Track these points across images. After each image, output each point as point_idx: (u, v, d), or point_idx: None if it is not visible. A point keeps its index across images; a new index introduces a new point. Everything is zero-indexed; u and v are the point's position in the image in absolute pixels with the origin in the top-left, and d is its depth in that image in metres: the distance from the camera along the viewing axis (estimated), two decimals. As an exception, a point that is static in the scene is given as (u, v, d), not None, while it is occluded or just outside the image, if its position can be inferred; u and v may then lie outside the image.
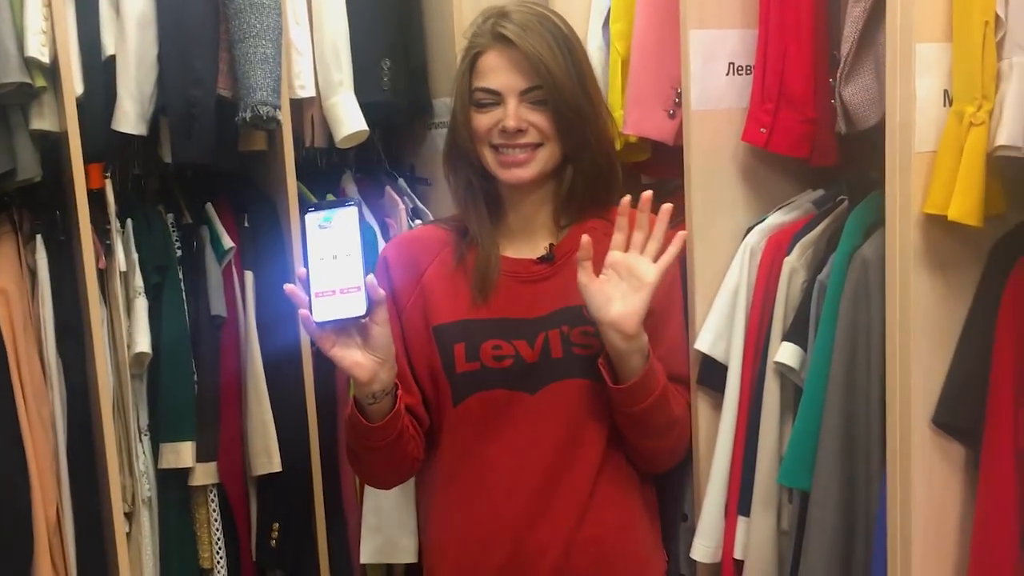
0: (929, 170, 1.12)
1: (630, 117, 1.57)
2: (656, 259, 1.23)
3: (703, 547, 1.46)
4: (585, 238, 1.23)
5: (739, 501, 1.44)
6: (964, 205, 1.06)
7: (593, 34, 1.69)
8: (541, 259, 1.37)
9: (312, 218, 1.16)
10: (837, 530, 1.31)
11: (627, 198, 1.24)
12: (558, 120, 1.28)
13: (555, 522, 1.34)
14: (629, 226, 1.24)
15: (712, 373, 1.47)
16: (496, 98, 1.29)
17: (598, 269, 1.26)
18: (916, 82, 1.11)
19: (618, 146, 1.59)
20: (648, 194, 1.23)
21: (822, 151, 1.38)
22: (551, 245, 1.37)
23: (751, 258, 1.44)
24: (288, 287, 1.16)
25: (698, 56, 1.43)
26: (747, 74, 1.46)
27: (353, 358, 1.18)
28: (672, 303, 1.40)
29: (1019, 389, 1.13)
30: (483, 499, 1.35)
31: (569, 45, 1.29)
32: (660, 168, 1.67)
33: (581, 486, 1.34)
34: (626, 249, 1.25)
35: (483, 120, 1.30)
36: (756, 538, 1.41)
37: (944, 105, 1.12)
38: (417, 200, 2.14)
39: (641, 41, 1.55)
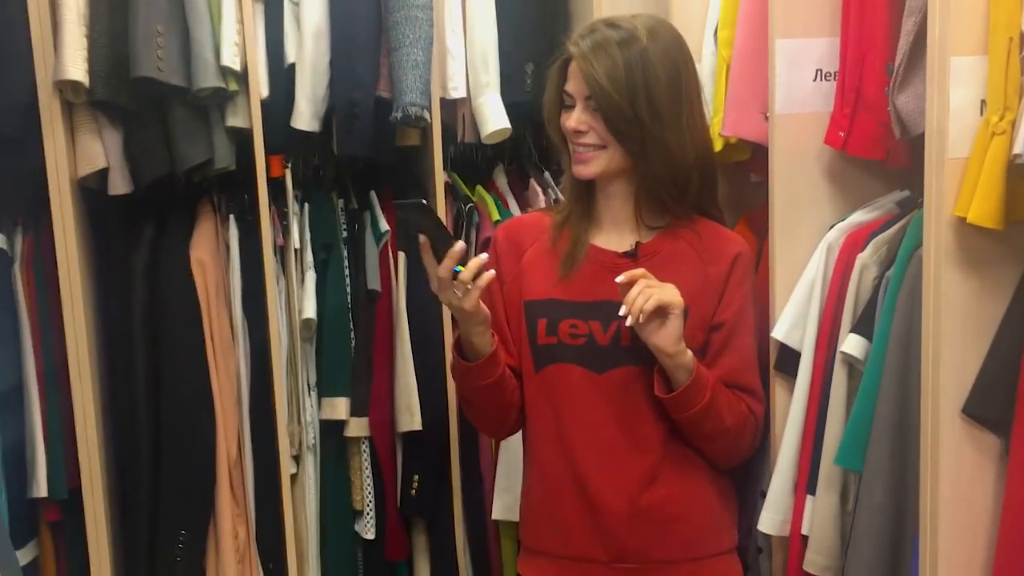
0: (961, 175, 1.22)
1: (728, 118, 1.72)
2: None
3: (771, 520, 1.61)
4: (638, 304, 1.40)
5: (807, 480, 1.56)
6: (983, 208, 1.17)
7: (707, 40, 1.86)
8: (626, 254, 1.56)
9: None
10: (886, 511, 1.42)
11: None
12: (611, 127, 1.46)
13: (620, 488, 1.54)
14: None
15: (788, 360, 1.61)
16: (572, 100, 1.51)
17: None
18: (951, 92, 1.21)
19: (719, 146, 1.74)
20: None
21: (897, 154, 1.48)
22: (637, 243, 1.56)
23: (829, 254, 1.57)
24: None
25: (784, 63, 1.57)
26: (834, 80, 1.57)
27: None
28: (742, 319, 1.54)
29: (1046, 386, 1.20)
30: (560, 459, 1.57)
31: (645, 62, 1.45)
32: (764, 167, 1.80)
33: (644, 459, 1.53)
34: None
35: (565, 119, 1.53)
36: (820, 515, 1.54)
37: (980, 114, 1.21)
38: (559, 192, 2.35)
39: (741, 48, 1.70)
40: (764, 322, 1.66)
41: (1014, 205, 1.18)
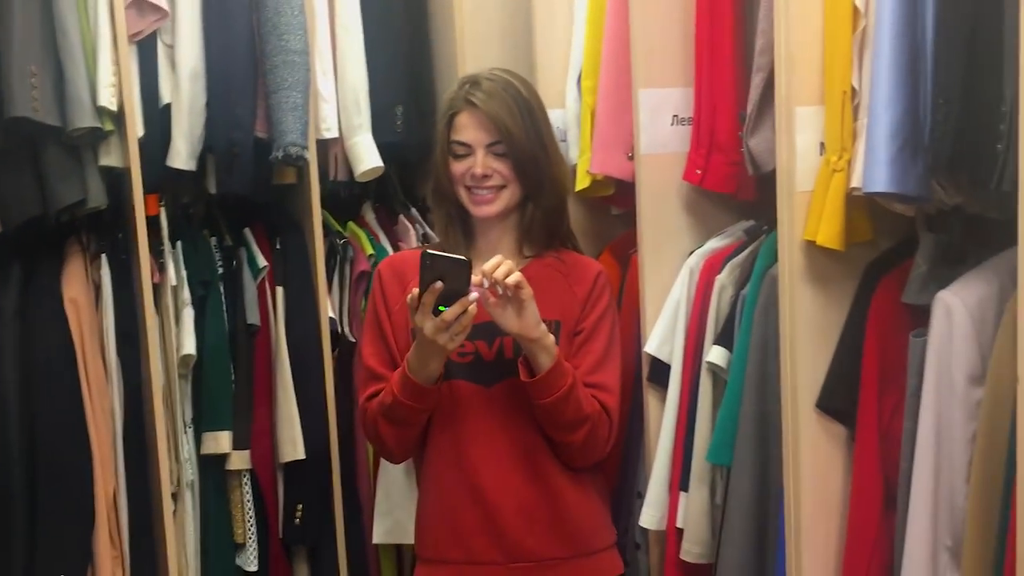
0: (807, 205, 1.45)
1: (596, 158, 1.92)
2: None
3: (650, 516, 1.80)
4: (500, 273, 1.52)
5: (680, 478, 1.76)
6: (828, 233, 1.40)
7: (570, 89, 2.05)
8: None
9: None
10: (753, 498, 1.63)
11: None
12: (516, 167, 1.63)
13: (513, 492, 1.67)
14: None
15: (659, 372, 1.81)
16: (468, 149, 1.65)
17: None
18: (796, 137, 1.44)
19: (586, 183, 1.94)
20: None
21: (745, 188, 1.72)
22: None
23: (691, 276, 1.78)
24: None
25: (646, 110, 1.78)
26: (688, 125, 1.79)
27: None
28: (600, 326, 1.70)
29: (882, 380, 1.45)
30: (456, 470, 1.69)
31: (528, 107, 1.64)
32: (626, 201, 2.00)
33: (534, 464, 1.67)
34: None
35: (458, 167, 1.66)
36: (693, 509, 1.74)
37: (820, 155, 1.45)
38: (427, 227, 2.49)
39: (604, 95, 1.90)
40: (636, 339, 1.85)
41: (852, 230, 1.42)
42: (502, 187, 1.66)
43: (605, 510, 1.78)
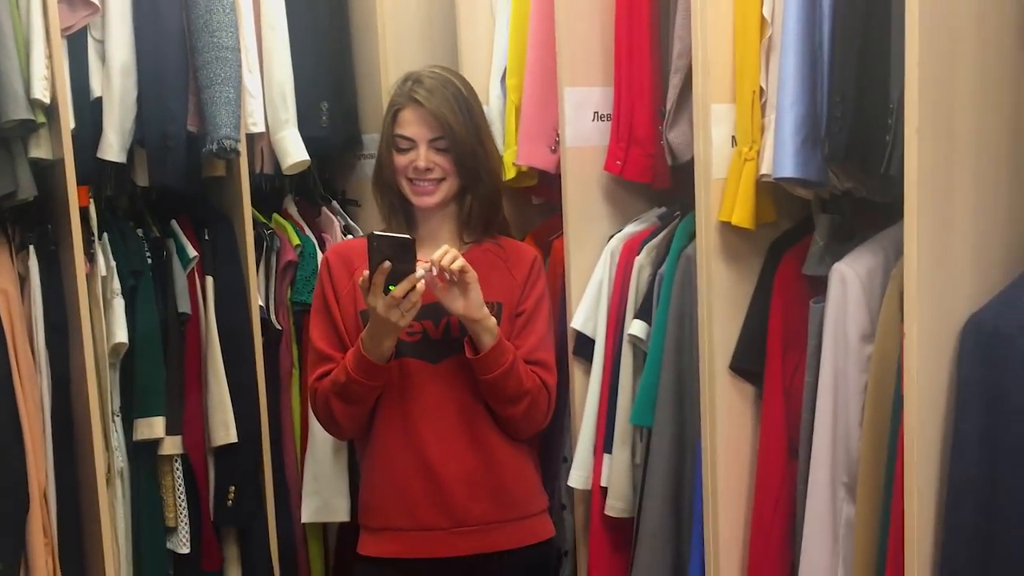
0: (722, 191, 1.64)
1: (521, 151, 2.07)
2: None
3: (577, 476, 1.97)
4: (447, 260, 1.67)
5: (604, 441, 1.93)
6: (741, 214, 1.60)
7: (494, 86, 2.20)
8: None
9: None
10: (672, 455, 1.82)
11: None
12: (456, 160, 1.78)
13: (459, 462, 1.81)
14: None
15: (584, 346, 1.98)
16: (411, 143, 1.79)
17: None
18: (712, 130, 1.64)
19: (512, 174, 2.10)
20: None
21: (661, 178, 1.91)
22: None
23: (612, 258, 1.96)
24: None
25: (570, 107, 1.95)
26: (608, 120, 1.97)
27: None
28: (539, 308, 1.87)
29: (785, 343, 1.66)
30: (404, 444, 1.82)
31: (467, 104, 1.79)
32: (546, 191, 2.17)
33: (478, 436, 1.82)
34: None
35: (402, 160, 1.80)
36: (616, 469, 1.91)
37: (732, 146, 1.65)
38: (348, 219, 2.60)
39: (529, 93, 2.07)
40: (559, 318, 2.02)
41: (760, 211, 1.63)
42: (442, 179, 1.80)
43: (539, 479, 1.94)
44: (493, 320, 1.75)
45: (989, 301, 1.36)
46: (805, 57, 1.49)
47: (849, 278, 1.51)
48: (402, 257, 1.62)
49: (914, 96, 1.29)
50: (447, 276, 1.67)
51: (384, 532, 1.88)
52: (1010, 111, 1.40)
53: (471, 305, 1.70)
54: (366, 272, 1.66)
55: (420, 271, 1.64)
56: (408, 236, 1.65)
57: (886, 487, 1.46)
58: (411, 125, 1.79)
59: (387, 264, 1.62)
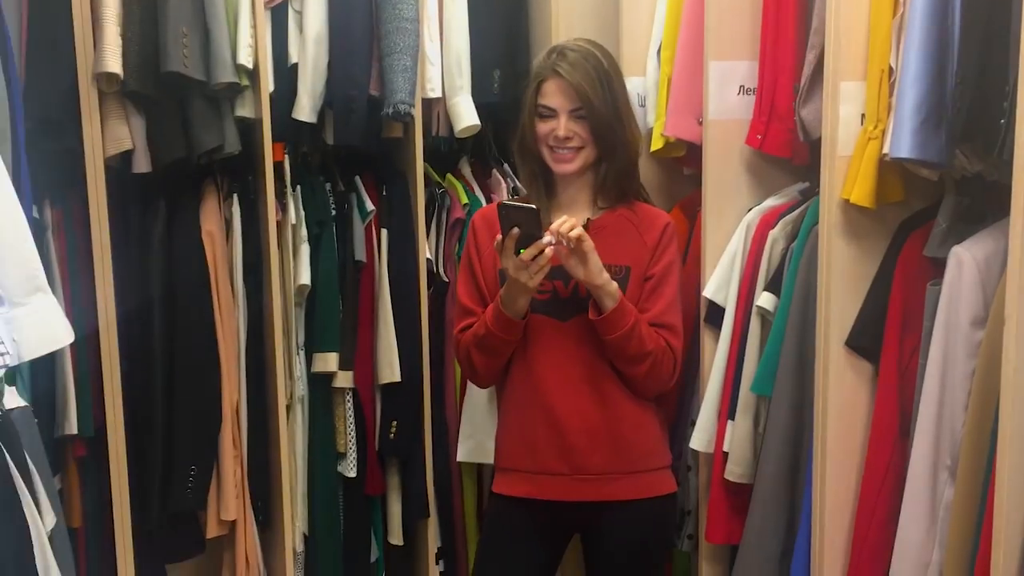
0: (847, 169, 1.66)
1: (670, 122, 2.15)
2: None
3: (700, 439, 2.05)
4: (564, 228, 1.77)
5: (728, 408, 2.00)
6: (861, 192, 1.62)
7: (651, 58, 2.28)
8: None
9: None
10: (789, 426, 1.87)
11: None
12: (594, 131, 1.88)
13: (581, 414, 1.93)
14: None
15: (715, 314, 2.05)
16: (552, 112, 1.90)
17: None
18: (840, 108, 1.65)
19: (660, 144, 2.17)
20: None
21: (800, 153, 1.93)
22: (588, 219, 1.96)
23: (748, 231, 2.01)
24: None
25: (715, 80, 2.00)
26: (753, 95, 2.01)
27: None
28: (669, 273, 1.93)
29: (904, 324, 1.67)
30: (532, 394, 1.96)
31: (608, 77, 1.88)
32: (696, 162, 2.23)
33: (601, 390, 1.92)
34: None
35: (543, 128, 1.92)
36: (738, 436, 1.98)
37: (861, 124, 1.66)
38: (517, 181, 2.75)
39: (680, 66, 2.13)
40: (696, 285, 2.09)
41: (884, 191, 1.64)
42: (580, 148, 1.91)
43: (662, 436, 2.03)
44: (614, 285, 1.85)
45: (1101, 293, 1.33)
46: (932, 38, 1.49)
47: (965, 261, 1.50)
48: (530, 224, 1.76)
49: (1028, 81, 1.28)
50: (567, 244, 1.78)
51: (512, 473, 2.04)
52: None
53: (591, 271, 1.82)
54: (499, 236, 1.80)
55: (547, 238, 1.76)
56: (534, 206, 1.78)
57: (986, 473, 1.46)
58: (553, 96, 1.90)
59: (516, 231, 1.76)
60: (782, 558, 1.90)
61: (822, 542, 1.76)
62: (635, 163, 1.97)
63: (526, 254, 1.77)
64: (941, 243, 1.59)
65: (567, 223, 1.78)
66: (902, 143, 1.51)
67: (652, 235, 1.95)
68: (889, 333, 1.68)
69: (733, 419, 1.99)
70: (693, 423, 2.13)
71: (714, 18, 1.99)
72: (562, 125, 1.90)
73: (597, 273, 1.82)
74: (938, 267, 1.61)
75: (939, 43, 1.49)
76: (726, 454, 2.00)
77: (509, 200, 1.82)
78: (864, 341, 1.72)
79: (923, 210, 1.73)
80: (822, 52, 1.72)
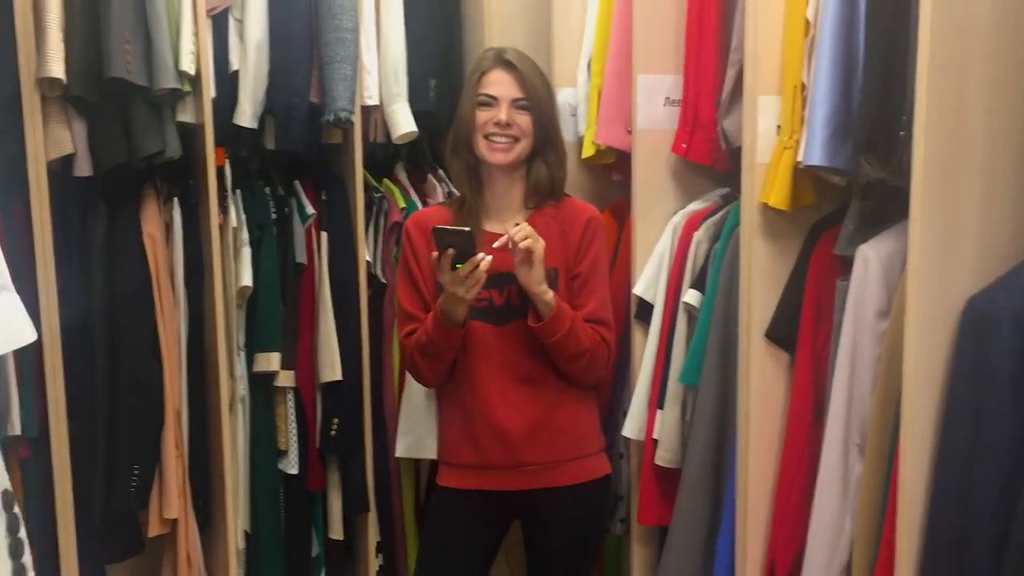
0: (765, 175, 1.83)
1: (600, 130, 2.29)
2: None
3: (631, 427, 2.20)
4: (517, 234, 1.90)
5: (658, 398, 2.15)
6: (778, 196, 1.79)
7: (581, 70, 2.43)
8: None
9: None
10: (714, 414, 2.03)
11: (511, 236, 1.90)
12: (536, 121, 2.00)
13: (518, 410, 2.05)
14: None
15: (644, 310, 2.20)
16: (494, 100, 2.02)
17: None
18: (759, 119, 1.82)
19: (591, 152, 2.32)
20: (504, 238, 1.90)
21: (722, 161, 2.10)
22: (516, 224, 2.04)
23: (674, 233, 2.17)
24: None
25: (643, 92, 2.16)
26: (678, 106, 2.17)
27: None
28: (596, 269, 2.07)
29: (817, 316, 1.84)
30: (473, 395, 2.08)
31: (546, 81, 2.02)
32: (625, 169, 2.38)
33: (536, 388, 2.05)
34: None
35: (483, 115, 2.03)
36: (667, 423, 2.13)
37: (776, 135, 1.83)
38: (451, 186, 2.87)
39: (609, 78, 2.28)
40: (627, 284, 2.23)
41: (798, 195, 1.81)
42: (517, 139, 2.02)
43: (595, 423, 2.17)
44: (551, 294, 1.97)
45: (987, 286, 1.51)
46: (840, 56, 1.66)
47: (871, 259, 1.67)
48: (464, 244, 1.89)
49: (923, 97, 1.45)
50: (514, 251, 1.90)
51: (457, 467, 2.16)
52: (1021, 113, 1.53)
53: (532, 280, 1.94)
54: (435, 254, 1.91)
55: (481, 255, 1.88)
56: (467, 228, 1.90)
57: (891, 449, 1.63)
58: (497, 85, 2.02)
59: (450, 251, 1.88)
60: (709, 535, 2.06)
61: (745, 518, 1.92)
62: (564, 167, 2.09)
63: (463, 270, 1.88)
64: (849, 243, 1.77)
65: (521, 231, 1.90)
66: (814, 152, 1.68)
67: (575, 232, 2.07)
68: (804, 325, 1.85)
69: (662, 408, 2.14)
70: (625, 413, 2.27)
71: (641, 34, 2.14)
72: (504, 111, 2.00)
73: (537, 282, 1.94)
74: (847, 264, 1.78)
75: (845, 62, 1.67)
76: (656, 441, 2.15)
77: (440, 226, 1.93)
78: (782, 333, 1.88)
79: (833, 213, 1.91)
80: (741, 69, 1.89)
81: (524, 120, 2.02)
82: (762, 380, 1.90)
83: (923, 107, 1.45)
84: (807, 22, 1.75)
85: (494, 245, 1.89)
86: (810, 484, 1.83)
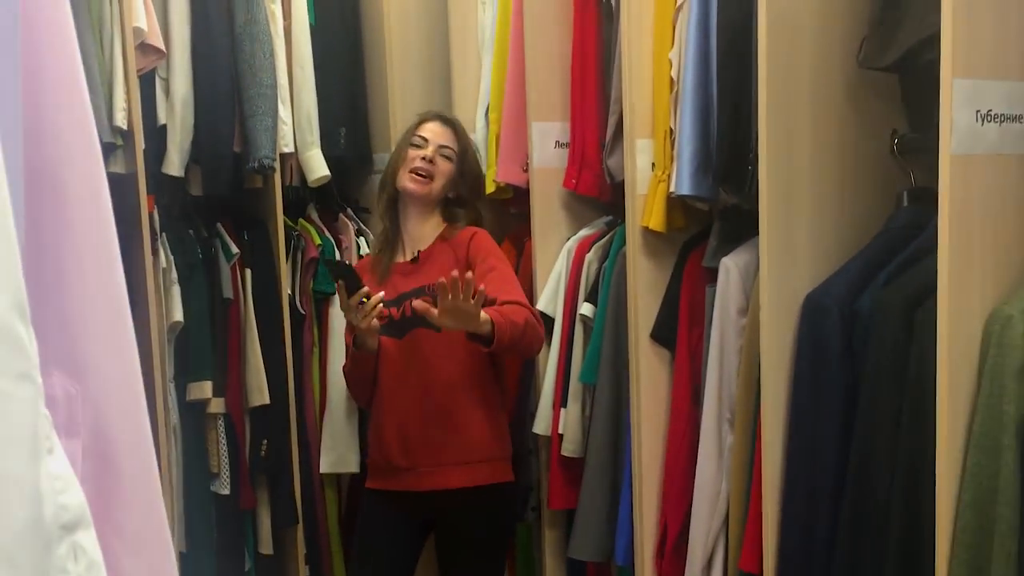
0: (644, 203, 2.25)
1: (500, 170, 2.69)
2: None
3: (540, 424, 2.58)
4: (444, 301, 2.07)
5: (561, 397, 2.54)
6: (655, 221, 2.22)
7: (479, 117, 2.82)
8: (411, 260, 2.45)
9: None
10: (610, 406, 2.42)
11: (453, 273, 2.04)
12: (456, 173, 2.40)
13: (423, 416, 2.35)
14: (451, 285, 2.03)
15: (546, 323, 2.58)
16: (425, 142, 2.40)
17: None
18: (637, 158, 2.24)
19: (492, 188, 2.71)
20: (454, 275, 2.03)
21: (606, 193, 2.52)
22: (418, 252, 2.45)
23: (568, 255, 2.57)
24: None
25: (537, 136, 2.57)
26: (566, 147, 2.58)
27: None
28: (496, 263, 2.35)
29: (691, 318, 2.26)
30: (382, 401, 2.42)
31: (473, 147, 2.46)
32: (521, 203, 2.78)
33: (433, 391, 2.35)
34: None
35: (412, 153, 2.41)
36: (570, 419, 2.52)
37: (652, 170, 2.26)
38: (361, 223, 3.21)
39: (506, 124, 2.69)
40: (530, 301, 2.62)
41: (671, 219, 2.24)
42: (433, 178, 2.40)
43: (496, 430, 2.43)
44: (485, 316, 2.12)
45: (819, 284, 1.96)
46: (699, 107, 2.10)
47: (731, 268, 2.11)
48: (350, 278, 2.25)
49: (763, 138, 1.89)
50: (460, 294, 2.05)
51: (372, 469, 2.49)
52: (837, 148, 2.00)
53: (472, 326, 2.12)
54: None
55: (365, 289, 2.23)
56: (350, 264, 2.32)
57: (754, 421, 2.06)
58: (431, 131, 2.43)
59: (340, 282, 2.26)
60: (610, 510, 2.44)
61: (641, 490, 2.32)
62: (479, 213, 2.51)
63: (353, 299, 2.24)
64: (713, 256, 2.20)
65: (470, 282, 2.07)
66: (683, 184, 2.11)
67: (461, 250, 2.40)
68: (681, 325, 2.27)
69: (566, 406, 2.52)
70: (532, 414, 2.65)
71: (533, 89, 2.56)
72: (430, 150, 2.39)
73: (479, 323, 2.11)
74: (713, 274, 2.21)
75: (704, 111, 2.11)
76: (561, 435, 2.53)
77: (333, 259, 2.31)
78: (664, 333, 2.30)
79: (699, 232, 2.35)
80: (620, 117, 2.31)
81: (445, 167, 2.41)
82: (649, 374, 2.31)
83: (764, 146, 1.89)
84: (671, 80, 2.19)
85: (364, 290, 2.24)
86: (692, 456, 2.24)
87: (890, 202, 2.01)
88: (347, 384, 2.54)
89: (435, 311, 2.08)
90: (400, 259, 2.47)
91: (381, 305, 2.26)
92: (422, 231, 2.46)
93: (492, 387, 2.44)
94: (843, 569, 1.82)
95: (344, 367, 2.48)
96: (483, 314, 2.11)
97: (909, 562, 1.70)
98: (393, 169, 2.45)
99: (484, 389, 2.41)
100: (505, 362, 2.50)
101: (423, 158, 2.39)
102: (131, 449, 0.81)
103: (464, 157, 2.43)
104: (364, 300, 2.24)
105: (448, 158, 2.42)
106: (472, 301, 2.05)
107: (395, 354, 2.38)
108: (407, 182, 2.41)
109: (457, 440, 2.36)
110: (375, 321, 2.29)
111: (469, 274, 2.07)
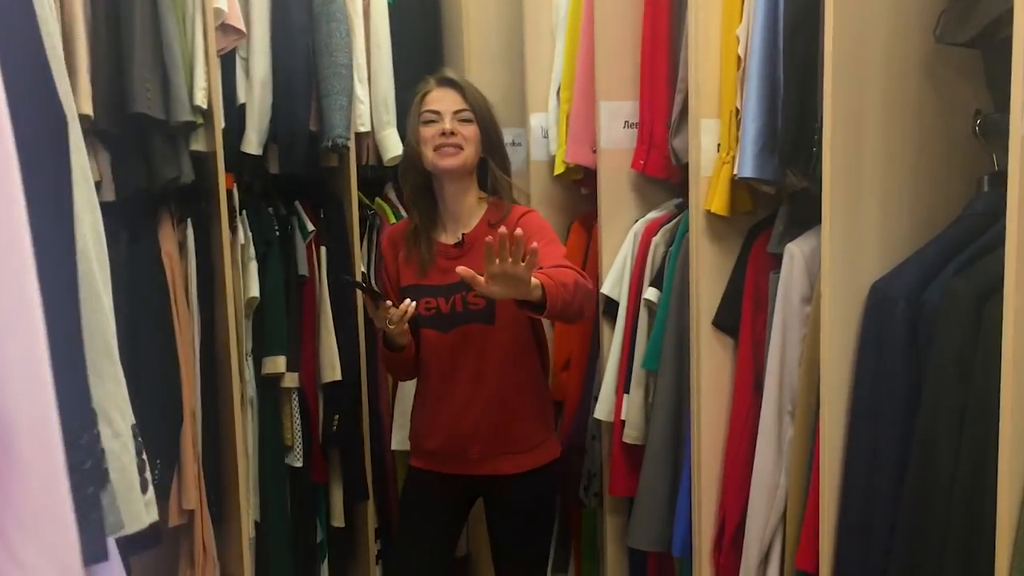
0: (708, 186, 2.17)
1: (569, 150, 2.64)
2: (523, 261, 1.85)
3: (602, 410, 2.53)
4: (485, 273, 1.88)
5: (624, 384, 2.48)
6: (719, 204, 2.13)
7: (551, 98, 2.78)
8: (456, 244, 2.27)
9: None
10: (672, 393, 2.36)
11: (501, 230, 1.83)
12: (480, 132, 2.23)
13: (464, 403, 2.28)
14: (498, 246, 1.83)
15: (611, 307, 2.53)
16: (437, 115, 2.24)
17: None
18: (702, 139, 2.16)
19: (561, 169, 2.66)
20: (502, 231, 1.83)
21: (675, 175, 2.44)
22: (463, 235, 2.25)
23: (635, 238, 2.51)
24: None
25: (605, 117, 2.50)
26: (635, 128, 2.51)
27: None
28: (547, 240, 2.15)
29: (755, 305, 2.18)
30: (429, 393, 2.37)
31: (484, 96, 2.26)
32: (590, 184, 2.72)
33: (485, 387, 2.27)
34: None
35: (428, 131, 2.24)
36: (632, 405, 2.46)
37: (717, 152, 2.17)
38: (437, 203, 3.21)
39: (576, 104, 2.63)
40: (595, 284, 2.57)
41: (736, 203, 2.15)
42: (461, 147, 2.19)
43: (541, 413, 2.34)
44: (536, 281, 1.92)
45: (886, 273, 1.85)
46: (766, 86, 2.01)
47: (796, 255, 2.02)
48: (369, 292, 2.22)
49: (829, 119, 1.80)
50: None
51: (419, 451, 2.46)
52: (912, 129, 1.88)
53: (522, 293, 1.91)
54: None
55: (388, 302, 2.17)
56: (353, 279, 2.43)
57: (815, 414, 1.97)
58: (438, 101, 2.22)
59: (364, 296, 2.23)
60: (670, 500, 2.38)
61: (700, 480, 2.25)
62: (509, 169, 2.32)
63: (380, 311, 2.18)
64: (779, 242, 2.11)
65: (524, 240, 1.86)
66: (745, 166, 2.03)
67: (513, 228, 2.26)
68: (744, 313, 2.19)
69: (628, 392, 2.47)
70: (595, 398, 2.60)
71: (603, 68, 2.49)
72: (447, 121, 2.19)
73: (529, 290, 1.91)
74: (778, 260, 2.12)
75: (770, 91, 2.02)
76: (623, 422, 2.48)
77: (347, 277, 2.46)
78: (727, 320, 2.22)
79: (766, 217, 2.25)
80: (687, 97, 2.23)
81: (468, 130, 2.22)
82: (711, 361, 2.24)
83: (828, 126, 1.79)
84: (739, 58, 2.09)
85: (387, 302, 2.18)
86: (752, 448, 2.17)
87: (971, 187, 1.89)
88: (387, 367, 2.48)
89: (481, 279, 1.88)
90: (443, 239, 2.31)
91: (412, 308, 2.18)
92: (463, 206, 2.27)
93: (537, 369, 2.35)
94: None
95: (379, 356, 2.39)
96: (532, 279, 1.92)
97: (969, 572, 1.60)
98: (415, 153, 2.25)
99: (531, 373, 2.33)
100: (553, 343, 2.41)
101: (443, 132, 2.19)
102: (29, 432, 0.80)
103: (480, 113, 2.20)
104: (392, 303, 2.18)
105: (467, 120, 2.21)
106: (523, 264, 1.86)
107: (440, 348, 2.29)
108: (438, 160, 2.20)
109: (508, 431, 2.30)
110: (404, 326, 2.22)
111: (519, 230, 1.83)
